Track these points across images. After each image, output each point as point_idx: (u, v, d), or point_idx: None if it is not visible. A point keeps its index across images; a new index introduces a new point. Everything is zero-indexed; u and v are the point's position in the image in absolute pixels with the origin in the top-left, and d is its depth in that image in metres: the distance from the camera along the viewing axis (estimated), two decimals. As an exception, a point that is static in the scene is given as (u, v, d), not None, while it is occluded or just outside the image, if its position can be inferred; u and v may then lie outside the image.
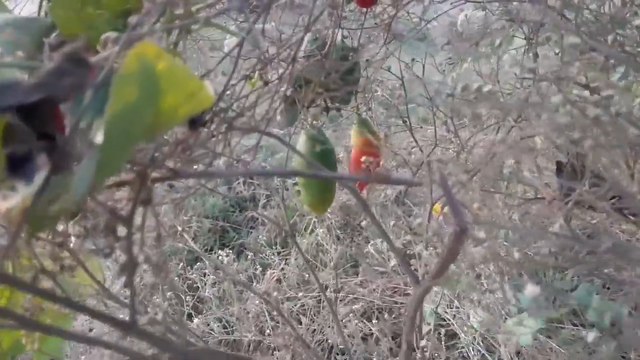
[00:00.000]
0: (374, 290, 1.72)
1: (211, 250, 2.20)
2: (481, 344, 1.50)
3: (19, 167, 0.18)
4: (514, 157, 0.46)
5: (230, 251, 2.05)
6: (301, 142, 0.65)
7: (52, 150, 0.20)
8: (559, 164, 0.57)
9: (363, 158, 0.62)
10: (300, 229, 2.29)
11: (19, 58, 0.36)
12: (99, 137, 0.22)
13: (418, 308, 0.40)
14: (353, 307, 1.35)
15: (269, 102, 0.45)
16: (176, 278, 1.52)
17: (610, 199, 0.52)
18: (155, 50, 0.19)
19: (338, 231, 2.16)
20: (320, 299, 1.75)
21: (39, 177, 0.20)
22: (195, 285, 1.64)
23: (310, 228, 2.23)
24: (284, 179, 2.75)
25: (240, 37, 0.39)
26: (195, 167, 0.41)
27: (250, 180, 2.73)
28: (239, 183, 2.74)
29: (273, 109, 0.42)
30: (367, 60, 0.71)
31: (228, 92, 0.44)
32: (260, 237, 2.08)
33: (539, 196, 0.51)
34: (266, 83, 0.41)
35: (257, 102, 0.40)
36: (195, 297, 1.65)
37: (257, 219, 2.44)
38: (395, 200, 2.19)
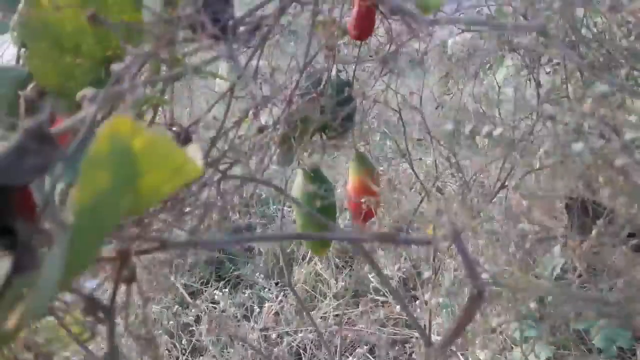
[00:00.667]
0: (375, 321, 1.68)
1: (207, 283, 2.14)
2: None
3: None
4: (524, 198, 0.44)
5: (227, 285, 2.00)
6: (298, 184, 0.62)
7: (13, 246, 0.17)
8: (568, 202, 0.55)
9: (363, 199, 0.59)
10: (297, 257, 2.24)
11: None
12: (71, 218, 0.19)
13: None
14: (357, 350, 1.31)
15: (264, 147, 0.42)
16: (171, 322, 1.47)
17: (627, 237, 0.49)
18: (131, 125, 0.16)
19: (337, 260, 2.11)
20: (319, 334, 1.69)
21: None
22: (190, 328, 1.59)
23: (308, 257, 2.19)
24: (281, 206, 2.72)
25: (231, 82, 0.37)
26: (186, 221, 0.38)
27: (246, 208, 2.69)
28: (234, 213, 2.68)
29: (269, 155, 0.40)
30: (363, 93, 0.69)
31: (220, 139, 0.41)
32: (257, 273, 2.03)
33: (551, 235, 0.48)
34: (261, 130, 0.38)
35: (253, 149, 0.38)
36: (192, 337, 1.60)
37: (254, 248, 2.40)
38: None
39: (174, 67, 0.33)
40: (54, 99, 0.36)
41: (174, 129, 0.33)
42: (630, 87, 0.37)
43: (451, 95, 0.70)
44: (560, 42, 0.34)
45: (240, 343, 1.49)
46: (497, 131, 0.33)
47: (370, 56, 0.64)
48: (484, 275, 0.30)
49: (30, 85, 0.36)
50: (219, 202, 0.37)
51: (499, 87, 1.01)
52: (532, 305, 0.40)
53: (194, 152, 0.21)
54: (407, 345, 1.47)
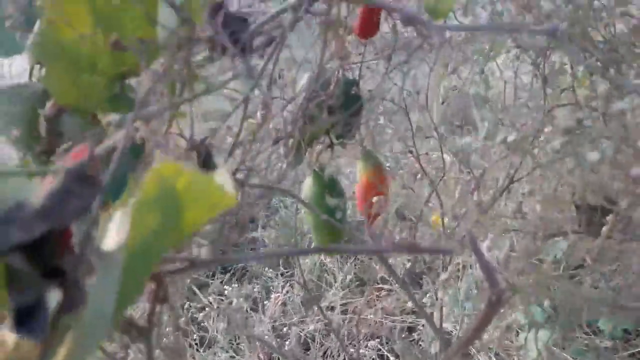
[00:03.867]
0: (381, 309, 1.69)
1: (213, 275, 2.16)
2: (494, 359, 1.47)
3: (27, 317, 0.16)
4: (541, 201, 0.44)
5: (233, 276, 2.01)
6: (307, 184, 0.63)
7: (62, 285, 0.18)
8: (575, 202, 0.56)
9: (374, 199, 0.60)
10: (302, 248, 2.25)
11: (13, 136, 0.34)
12: (107, 243, 0.20)
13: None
14: (370, 342, 1.32)
15: (277, 157, 0.43)
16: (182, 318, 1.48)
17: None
18: (174, 168, 0.17)
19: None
20: (328, 322, 1.71)
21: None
22: (201, 321, 1.61)
23: (312, 246, 2.20)
24: (283, 197, 2.72)
25: (245, 96, 0.37)
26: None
27: (249, 200, 2.70)
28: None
29: (283, 167, 0.40)
30: (369, 91, 0.69)
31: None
32: (263, 265, 2.05)
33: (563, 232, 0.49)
34: (276, 141, 0.38)
35: (270, 162, 0.38)
36: (200, 329, 1.62)
37: (258, 239, 2.41)
38: (396, 212, 2.17)
39: (191, 83, 0.33)
40: (71, 115, 0.37)
41: (193, 144, 0.33)
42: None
43: (456, 90, 0.71)
44: (570, 45, 0.34)
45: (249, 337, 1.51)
46: (511, 137, 0.33)
47: (376, 54, 0.65)
48: (501, 281, 0.31)
49: (49, 104, 0.37)
50: (239, 212, 0.38)
51: (501, 72, 1.01)
52: (545, 303, 0.41)
53: (225, 179, 0.22)
54: (414, 334, 1.48)
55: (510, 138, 0.34)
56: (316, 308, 1.76)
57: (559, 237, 0.50)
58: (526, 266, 0.48)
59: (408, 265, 1.62)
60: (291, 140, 0.47)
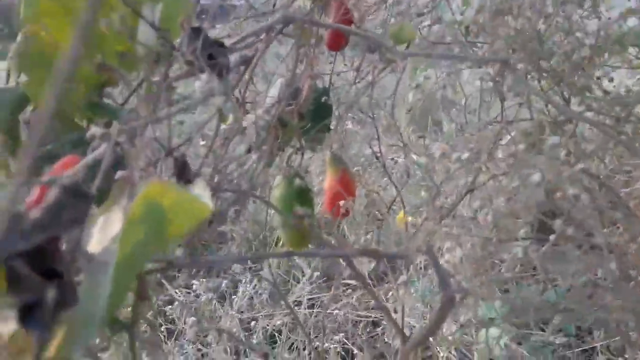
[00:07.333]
0: (348, 304, 1.74)
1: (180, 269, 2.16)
2: (454, 354, 1.53)
3: (29, 314, 0.19)
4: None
5: (200, 270, 2.02)
6: (277, 187, 0.66)
7: (57, 285, 0.20)
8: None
9: (341, 202, 0.64)
10: (270, 242, 2.27)
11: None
12: (92, 246, 0.23)
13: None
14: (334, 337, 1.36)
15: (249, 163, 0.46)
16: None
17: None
18: (161, 188, 0.20)
19: (310, 245, 2.16)
20: (296, 318, 1.75)
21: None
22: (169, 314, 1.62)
23: (281, 242, 2.23)
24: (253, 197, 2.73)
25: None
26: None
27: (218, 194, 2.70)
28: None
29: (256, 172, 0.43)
30: (338, 98, 0.72)
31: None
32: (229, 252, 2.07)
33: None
34: (249, 150, 0.41)
35: (242, 168, 0.41)
36: (168, 321, 1.63)
37: (226, 234, 2.42)
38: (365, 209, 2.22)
39: (168, 97, 0.35)
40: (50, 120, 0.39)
41: (170, 152, 0.35)
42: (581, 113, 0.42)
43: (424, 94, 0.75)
44: (521, 76, 0.38)
45: (217, 329, 1.52)
46: (465, 155, 0.37)
47: (345, 64, 0.68)
48: (454, 285, 0.34)
49: (29, 109, 0.38)
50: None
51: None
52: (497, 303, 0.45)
53: (202, 191, 0.25)
54: (378, 329, 1.53)
55: (464, 156, 0.37)
56: (283, 303, 1.79)
57: (512, 242, 0.54)
58: (480, 269, 0.52)
59: (372, 265, 1.67)
60: (264, 147, 0.50)
